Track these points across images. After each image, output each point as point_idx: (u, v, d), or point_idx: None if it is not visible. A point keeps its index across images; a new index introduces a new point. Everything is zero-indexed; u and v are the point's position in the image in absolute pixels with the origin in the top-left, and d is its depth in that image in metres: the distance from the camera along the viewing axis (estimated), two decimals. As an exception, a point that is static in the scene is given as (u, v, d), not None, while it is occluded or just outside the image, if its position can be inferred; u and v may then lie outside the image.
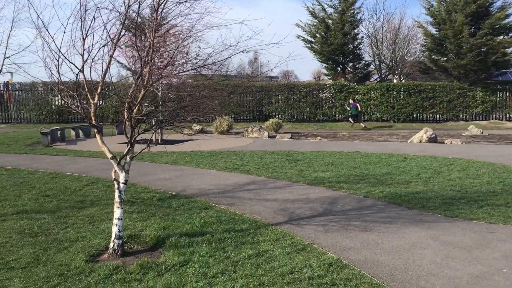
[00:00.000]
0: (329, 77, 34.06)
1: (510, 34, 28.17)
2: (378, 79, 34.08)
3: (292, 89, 29.76)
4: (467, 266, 5.13)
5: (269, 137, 20.76)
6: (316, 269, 4.95)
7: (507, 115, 28.44)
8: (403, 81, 34.91)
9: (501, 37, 27.67)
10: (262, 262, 5.17)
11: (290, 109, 29.57)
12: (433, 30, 29.79)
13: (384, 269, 5.05)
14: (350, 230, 6.43)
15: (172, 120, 6.37)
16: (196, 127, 23.21)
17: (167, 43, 6.31)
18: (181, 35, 6.09)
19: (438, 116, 28.85)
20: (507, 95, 28.52)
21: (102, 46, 5.39)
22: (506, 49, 27.91)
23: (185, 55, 6.43)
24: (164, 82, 14.23)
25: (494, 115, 28.54)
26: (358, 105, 26.91)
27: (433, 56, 30.03)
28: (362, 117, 28.44)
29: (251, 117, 29.84)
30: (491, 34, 26.98)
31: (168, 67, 6.04)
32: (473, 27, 27.80)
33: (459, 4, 27.35)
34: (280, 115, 29.20)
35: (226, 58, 6.08)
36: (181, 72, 6.46)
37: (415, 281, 4.71)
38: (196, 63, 6.20)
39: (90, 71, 5.46)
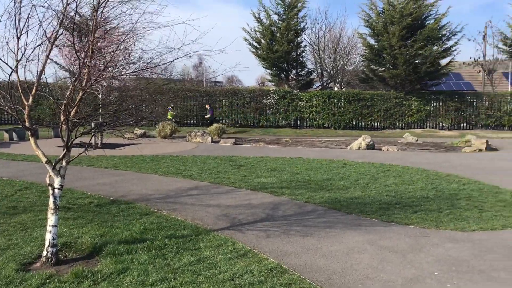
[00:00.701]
0: (273, 83, 34.48)
1: (445, 47, 29.66)
2: (320, 87, 34.87)
3: (236, 95, 29.86)
4: (401, 270, 5.31)
5: (212, 142, 20.68)
6: (256, 275, 4.96)
7: (440, 123, 29.88)
8: (343, 89, 35.93)
9: (435, 47, 29.10)
10: (202, 268, 5.12)
11: (234, 115, 29.64)
12: (371, 41, 30.87)
13: (323, 273, 5.14)
14: (291, 235, 6.51)
15: (112, 124, 6.20)
16: (138, 131, 22.75)
17: (108, 43, 6.15)
18: (121, 36, 5.96)
19: (376, 124, 29.88)
20: (440, 104, 29.98)
21: (38, 46, 5.17)
22: (439, 60, 29.37)
23: (127, 56, 6.30)
24: (105, 84, 13.86)
25: (428, 124, 29.89)
26: (213, 111, 27.48)
27: (371, 66, 31.10)
28: (304, 123, 29.00)
29: (195, 121, 29.64)
30: (425, 46, 28.27)
31: (110, 68, 5.88)
32: (409, 39, 29.05)
33: (396, 16, 28.52)
34: (224, 120, 29.21)
35: (170, 62, 6.00)
36: (123, 74, 6.31)
37: (352, 285, 4.83)
38: (139, 65, 6.08)
39: (25, 71, 5.22)
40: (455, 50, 29.53)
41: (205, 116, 27.59)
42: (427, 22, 29.59)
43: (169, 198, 8.83)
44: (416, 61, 28.56)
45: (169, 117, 26.79)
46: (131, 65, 6.19)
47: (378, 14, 30.13)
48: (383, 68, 30.55)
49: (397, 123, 29.73)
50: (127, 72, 6.23)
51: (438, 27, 28.99)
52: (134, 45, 6.26)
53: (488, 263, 5.61)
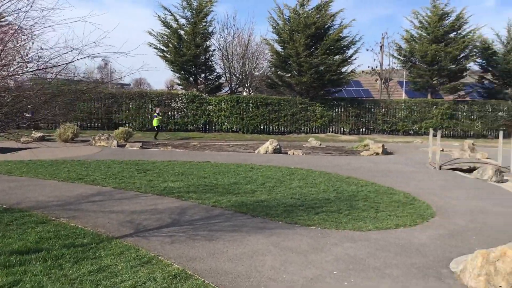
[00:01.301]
0: (181, 87, 34.13)
1: (346, 56, 31.23)
2: (229, 91, 35.14)
3: (144, 98, 29.19)
4: (303, 270, 5.50)
5: (118, 146, 20.01)
6: (160, 282, 4.87)
7: (342, 128, 31.39)
8: (252, 94, 36.50)
9: (337, 57, 30.56)
10: (103, 278, 4.93)
11: (141, 118, 28.92)
12: (279, 48, 31.69)
13: (228, 277, 5.17)
14: (197, 240, 6.48)
15: (4, 126, 5.78)
16: (36, 134, 21.39)
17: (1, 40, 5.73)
18: (15, 34, 5.58)
19: (283, 128, 30.70)
20: (342, 110, 31.51)
21: None
22: (341, 68, 30.90)
23: (24, 55, 5.91)
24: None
25: (331, 129, 31.28)
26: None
27: (278, 72, 31.93)
28: (213, 127, 29.06)
29: (100, 125, 28.50)
30: (328, 54, 29.59)
31: (5, 67, 5.49)
32: (313, 47, 30.23)
33: (301, 25, 29.58)
34: (130, 124, 28.36)
35: (69, 62, 5.73)
36: (19, 74, 5.91)
37: (256, 287, 4.91)
38: (37, 64, 5.74)
39: None
40: (355, 59, 31.42)
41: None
42: (330, 32, 31.00)
43: (68, 205, 8.39)
44: (321, 69, 29.79)
45: (155, 123, 25.62)
46: (28, 64, 5.83)
47: (285, 21, 31.02)
48: (289, 75, 31.46)
49: (303, 128, 30.77)
50: (24, 71, 5.85)
51: (340, 38, 30.50)
52: (33, 43, 5.91)
53: (382, 260, 5.98)
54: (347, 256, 6.06)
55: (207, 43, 31.58)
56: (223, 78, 34.73)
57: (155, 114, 25.78)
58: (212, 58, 32.77)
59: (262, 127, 30.40)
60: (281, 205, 8.92)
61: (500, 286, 4.97)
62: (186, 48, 29.94)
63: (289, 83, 31.02)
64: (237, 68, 35.67)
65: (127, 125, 27.66)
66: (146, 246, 6.10)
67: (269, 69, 34.55)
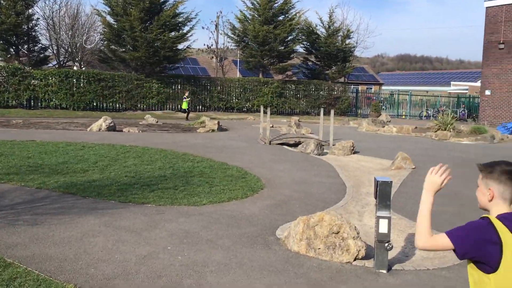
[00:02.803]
0: (1, 58, 30.52)
1: (182, 32, 31.11)
2: (57, 65, 32.51)
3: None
4: (136, 248, 5.43)
5: None
6: (-27, 274, 4.37)
7: (179, 106, 31.40)
8: (83, 68, 34.31)
9: (173, 33, 30.28)
10: None
11: None
12: (111, 20, 30.20)
13: (53, 262, 4.86)
14: (18, 226, 5.94)
15: None
16: None
17: None
18: None
19: (118, 105, 29.56)
20: (179, 87, 31.48)
21: None
22: (177, 45, 30.74)
23: None
24: None
25: (168, 106, 31.07)
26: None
27: (112, 46, 30.52)
28: (39, 103, 26.68)
29: None
30: (163, 30, 29.13)
31: None
32: (148, 22, 29.48)
33: (134, -2, 28.65)
34: None
35: None
36: None
37: (85, 270, 4.71)
38: None
39: None
40: (191, 36, 31.36)
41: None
42: (165, 7, 30.53)
43: None
44: (156, 45, 29.25)
45: (184, 106, 24.75)
46: None
47: (117, -7, 29.67)
48: (124, 49, 30.29)
49: (139, 105, 30.00)
50: None
51: (175, 14, 30.25)
52: None
53: (214, 232, 6.19)
54: (181, 231, 6.14)
55: (30, 11, 28.63)
56: (49, 50, 31.95)
57: (184, 96, 23.99)
58: (37, 28, 29.90)
59: (95, 104, 28.87)
60: (115, 184, 8.63)
61: (319, 248, 5.52)
62: (5, 15, 26.74)
63: (123, 58, 29.84)
64: (65, 40, 33.13)
65: None
66: (-45, 237, 5.40)
67: (102, 42, 32.77)
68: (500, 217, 2.18)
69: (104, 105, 29.22)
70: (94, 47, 34.02)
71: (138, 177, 9.40)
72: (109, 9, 29.94)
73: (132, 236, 5.84)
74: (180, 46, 31.41)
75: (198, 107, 32.05)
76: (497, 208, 2.22)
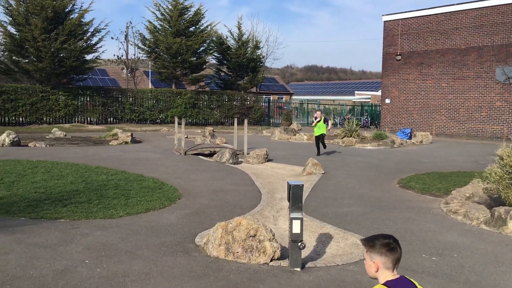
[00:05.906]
0: None
1: (90, 43, 30.17)
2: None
3: None
4: (52, 264, 5.31)
5: None
6: None
7: (89, 118, 30.35)
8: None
9: (79, 43, 29.28)
10: None
11: None
12: (13, 30, 28.61)
13: (-37, 283, 4.64)
14: None
15: None
16: None
17: None
18: None
19: (21, 119, 27.95)
20: (88, 99, 30.42)
21: None
22: (84, 55, 29.76)
23: None
24: None
25: (76, 119, 29.89)
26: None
27: (13, 57, 28.87)
28: None
29: None
30: (69, 40, 28.07)
31: None
32: (53, 31, 28.28)
33: (37, 7, 27.35)
34: None
35: None
36: None
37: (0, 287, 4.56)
38: None
39: None
40: (100, 46, 30.65)
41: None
42: (71, 16, 29.48)
43: None
44: (62, 55, 28.11)
45: None
46: None
47: (19, 2, 28.16)
48: (26, 60, 28.77)
49: (45, 118, 28.56)
50: None
51: (82, 23, 29.33)
52: None
53: (133, 243, 6.20)
54: (99, 244, 6.08)
55: None
56: None
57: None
58: None
59: (-4, 118, 27.08)
60: (23, 200, 8.28)
61: (237, 252, 5.75)
62: None
63: (26, 69, 28.31)
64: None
65: None
66: None
67: (3, 53, 30.85)
68: (387, 283, 2.55)
69: (7, 119, 27.49)
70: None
71: (48, 192, 9.07)
72: (10, 18, 28.34)
73: (47, 251, 5.69)
74: (89, 57, 30.46)
75: (109, 119, 31.17)
76: (383, 277, 2.61)
